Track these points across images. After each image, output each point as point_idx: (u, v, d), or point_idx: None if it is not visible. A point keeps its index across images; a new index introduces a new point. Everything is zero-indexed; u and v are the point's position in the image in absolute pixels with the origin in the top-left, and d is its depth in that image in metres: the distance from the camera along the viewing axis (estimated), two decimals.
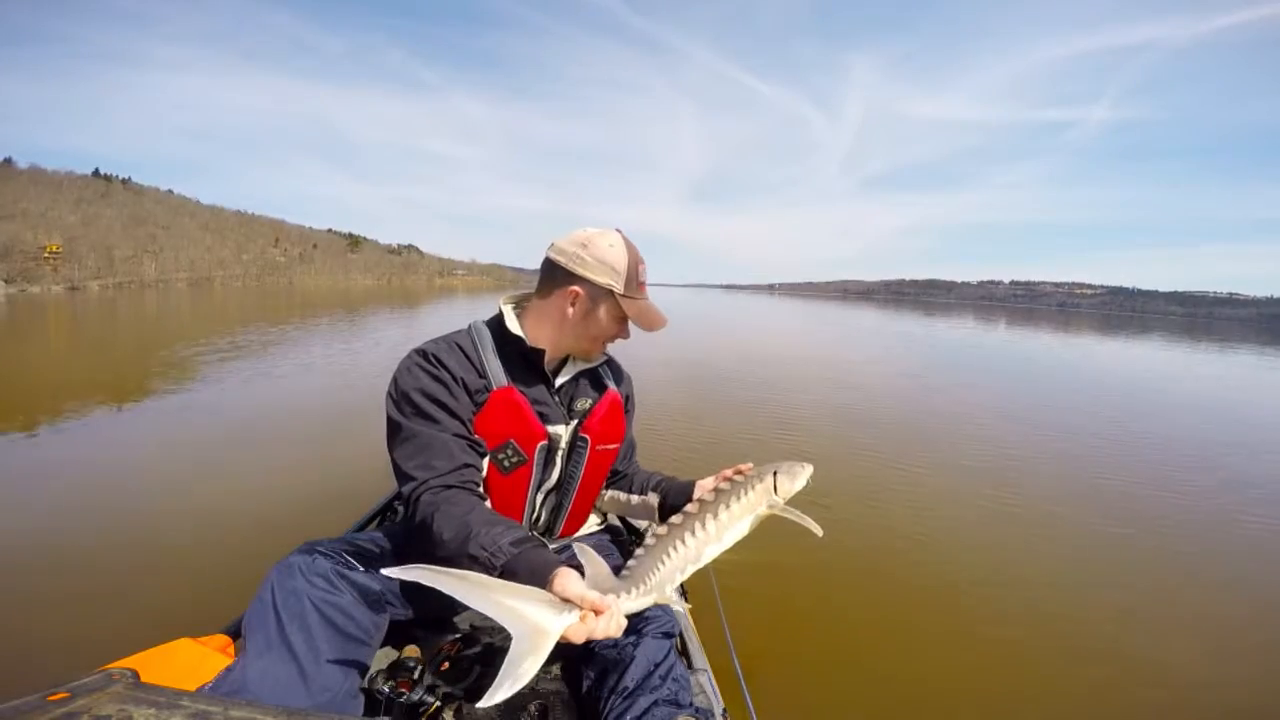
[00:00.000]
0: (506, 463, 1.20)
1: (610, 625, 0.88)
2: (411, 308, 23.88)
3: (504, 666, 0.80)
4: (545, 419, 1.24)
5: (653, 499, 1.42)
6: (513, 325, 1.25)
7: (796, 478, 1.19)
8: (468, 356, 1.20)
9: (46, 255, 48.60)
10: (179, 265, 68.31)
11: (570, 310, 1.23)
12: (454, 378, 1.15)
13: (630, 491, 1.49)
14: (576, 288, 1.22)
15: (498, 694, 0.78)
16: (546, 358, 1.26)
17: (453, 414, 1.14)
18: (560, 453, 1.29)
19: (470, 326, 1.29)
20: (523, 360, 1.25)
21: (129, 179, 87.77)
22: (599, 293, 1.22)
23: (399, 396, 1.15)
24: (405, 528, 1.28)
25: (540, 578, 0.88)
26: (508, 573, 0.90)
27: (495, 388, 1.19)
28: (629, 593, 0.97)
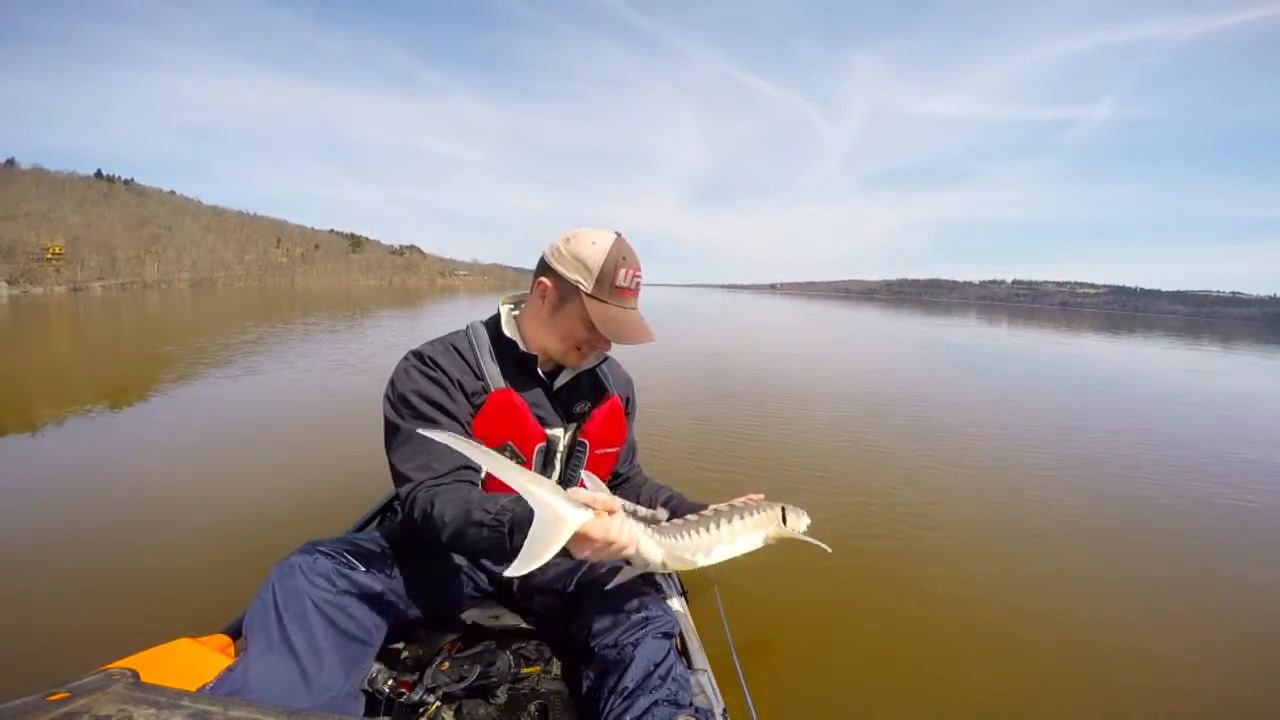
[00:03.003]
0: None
1: (623, 531, 0.95)
2: (411, 308, 23.89)
3: (525, 544, 0.87)
4: (543, 422, 1.24)
5: (662, 514, 1.42)
6: (508, 329, 1.26)
7: (801, 519, 1.37)
8: (464, 358, 1.21)
9: (49, 256, 48.74)
10: (181, 266, 68.45)
11: (540, 304, 1.22)
12: (451, 380, 1.16)
13: (638, 502, 1.49)
14: (545, 280, 1.21)
15: (519, 567, 0.85)
16: (542, 360, 1.26)
17: (450, 416, 1.14)
18: (559, 455, 1.29)
19: (469, 327, 1.29)
20: (518, 363, 1.25)
21: (131, 180, 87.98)
22: (566, 289, 1.19)
23: (396, 399, 1.15)
24: (406, 526, 1.28)
25: None
26: (517, 523, 0.95)
27: (492, 389, 1.19)
28: (645, 527, 1.08)
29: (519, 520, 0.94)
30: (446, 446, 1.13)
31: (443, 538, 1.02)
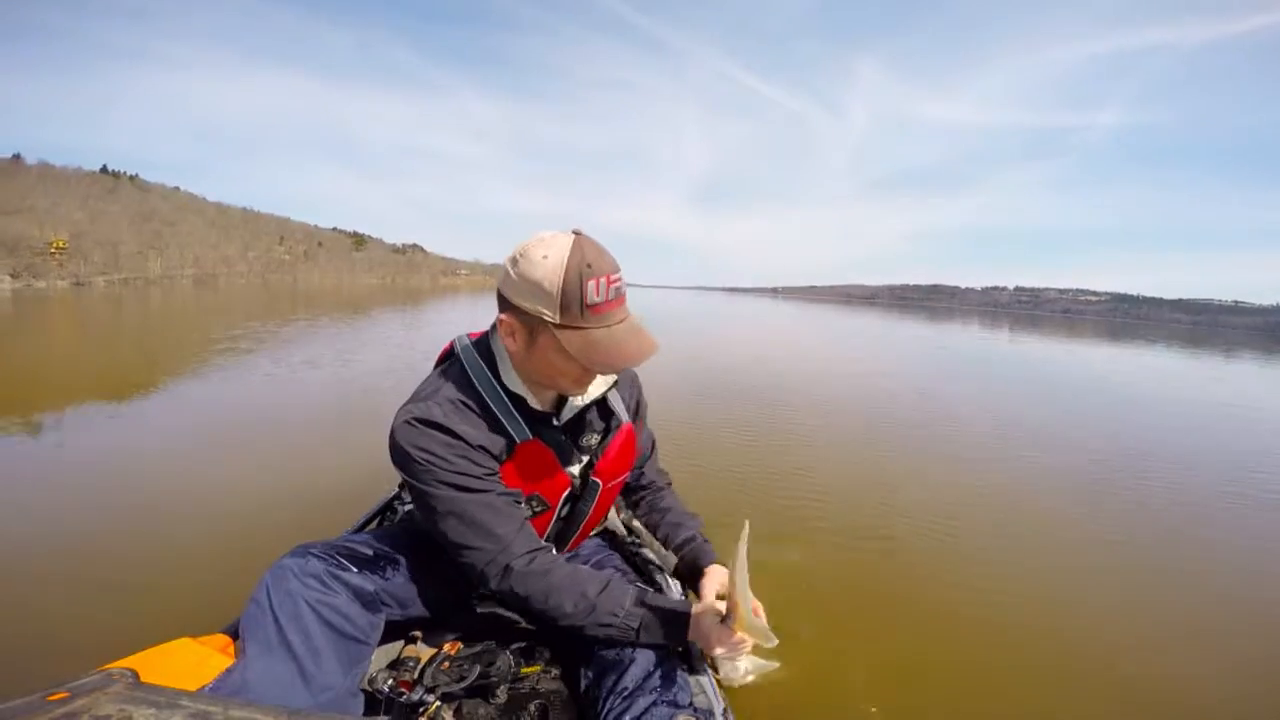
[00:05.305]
0: (529, 513, 1.17)
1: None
2: (415, 307, 23.90)
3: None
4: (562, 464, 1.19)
5: (671, 559, 1.42)
6: (513, 383, 1.10)
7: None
8: (479, 416, 1.07)
9: (53, 251, 48.86)
10: (184, 262, 68.66)
11: (511, 343, 1.04)
12: (471, 444, 1.05)
13: (656, 534, 1.47)
14: (505, 316, 1.02)
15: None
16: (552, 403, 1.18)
17: (488, 473, 1.07)
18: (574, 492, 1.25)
19: (466, 372, 1.10)
20: (529, 409, 1.13)
21: (136, 175, 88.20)
22: (531, 323, 0.99)
23: (423, 470, 1.02)
24: (404, 529, 1.28)
25: (679, 625, 1.05)
26: (644, 625, 1.04)
27: (519, 441, 1.10)
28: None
29: (646, 623, 1.04)
30: (499, 505, 1.05)
31: (560, 624, 1.06)
